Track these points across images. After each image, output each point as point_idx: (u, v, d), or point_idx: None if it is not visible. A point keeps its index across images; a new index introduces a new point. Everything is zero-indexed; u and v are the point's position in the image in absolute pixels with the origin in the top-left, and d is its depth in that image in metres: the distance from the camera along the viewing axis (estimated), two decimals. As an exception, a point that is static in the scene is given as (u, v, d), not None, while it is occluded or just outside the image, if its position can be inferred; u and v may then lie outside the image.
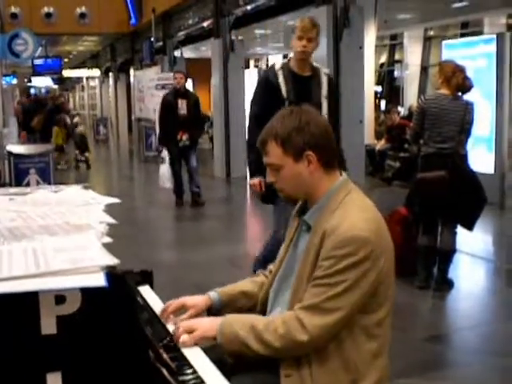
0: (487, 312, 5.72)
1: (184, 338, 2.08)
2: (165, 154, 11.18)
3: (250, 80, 16.20)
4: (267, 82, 5.04)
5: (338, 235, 2.10)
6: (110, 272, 1.67)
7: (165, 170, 10.97)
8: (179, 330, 2.11)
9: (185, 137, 10.53)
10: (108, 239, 1.98)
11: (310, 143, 2.21)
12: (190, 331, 2.10)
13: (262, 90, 5.12)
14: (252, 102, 5.26)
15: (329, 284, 2.09)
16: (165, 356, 1.95)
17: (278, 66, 5.06)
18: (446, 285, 5.98)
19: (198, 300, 2.43)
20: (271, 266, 2.53)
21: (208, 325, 2.17)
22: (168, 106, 10.60)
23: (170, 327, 2.20)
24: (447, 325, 5.50)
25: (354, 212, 2.17)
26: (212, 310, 2.45)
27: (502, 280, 6.73)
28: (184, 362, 1.98)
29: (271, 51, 27.27)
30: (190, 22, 17.84)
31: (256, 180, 5.01)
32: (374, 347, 2.19)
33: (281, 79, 4.94)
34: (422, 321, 5.49)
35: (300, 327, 2.09)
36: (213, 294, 2.47)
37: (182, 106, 10.54)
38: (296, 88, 4.91)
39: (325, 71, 5.14)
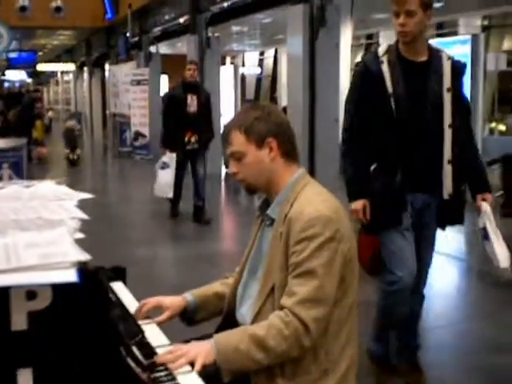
0: (460, 311, 5.77)
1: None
2: (168, 157, 9.02)
3: (226, 77, 16.19)
4: (366, 71, 3.68)
5: (303, 218, 2.15)
6: (82, 268, 1.65)
7: (168, 177, 8.97)
8: (180, 362, 1.97)
9: (193, 138, 8.96)
10: (80, 235, 1.96)
11: (271, 131, 2.29)
12: (192, 363, 1.98)
13: (359, 83, 3.74)
14: (346, 102, 3.86)
15: (309, 271, 2.11)
16: (137, 353, 1.93)
17: (382, 49, 3.71)
18: (419, 284, 6.01)
19: (173, 301, 2.45)
20: (238, 269, 2.54)
21: (204, 350, 2.04)
22: (175, 102, 8.92)
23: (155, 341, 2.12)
24: (421, 324, 5.52)
25: (314, 197, 2.24)
26: (187, 312, 2.46)
27: (475, 279, 6.78)
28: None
29: (248, 48, 27.30)
30: (167, 17, 17.78)
31: (359, 203, 3.72)
32: (342, 335, 2.22)
33: (385, 67, 3.61)
34: (395, 319, 5.50)
35: (303, 329, 2.08)
36: (188, 296, 2.48)
37: (192, 102, 8.90)
38: (406, 79, 3.60)
39: (447, 54, 3.75)
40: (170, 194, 9.13)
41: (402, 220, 3.68)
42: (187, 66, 9.00)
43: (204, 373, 1.98)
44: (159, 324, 2.32)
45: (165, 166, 9.06)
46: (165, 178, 9.06)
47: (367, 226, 3.83)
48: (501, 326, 5.15)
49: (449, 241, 7.56)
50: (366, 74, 3.68)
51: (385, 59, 3.63)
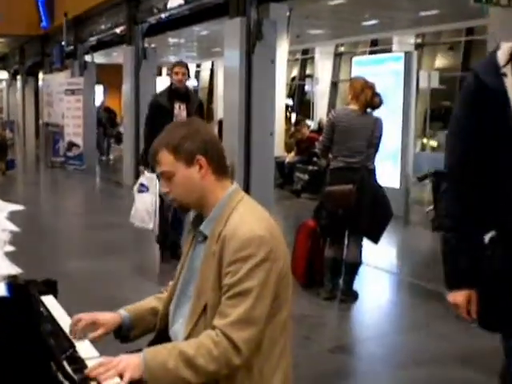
0: (391, 323, 5.86)
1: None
2: (146, 179, 7.28)
3: (163, 88, 16.12)
4: (481, 88, 2.37)
5: (238, 238, 2.13)
6: (12, 282, 1.63)
7: (147, 202, 7.31)
8: (109, 374, 1.95)
9: None
10: (11, 248, 1.93)
11: (200, 148, 2.27)
12: (121, 375, 1.97)
13: (472, 106, 2.40)
14: (451, 136, 2.54)
15: (243, 292, 2.10)
16: (67, 368, 1.91)
17: (503, 55, 2.36)
18: (351, 296, 6.10)
19: (108, 317, 2.40)
20: (171, 283, 2.52)
21: (133, 364, 2.04)
22: (160, 112, 7.19)
23: (89, 361, 2.04)
24: (352, 335, 5.60)
25: (248, 216, 2.23)
26: (122, 329, 2.43)
27: (405, 292, 6.90)
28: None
29: (184, 60, 27.29)
30: (103, 27, 17.63)
31: (460, 296, 2.47)
32: (277, 353, 2.22)
33: (510, 82, 2.33)
34: (328, 331, 5.57)
35: (233, 349, 2.07)
36: (123, 312, 2.45)
37: (181, 112, 7.25)
38: None
39: None
40: (151, 225, 7.41)
41: None
42: (174, 69, 7.33)
43: None
44: (93, 341, 2.29)
45: (143, 188, 7.36)
46: (143, 205, 7.38)
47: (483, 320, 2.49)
48: (431, 338, 5.25)
49: (380, 254, 7.69)
50: (481, 94, 2.37)
51: (509, 70, 2.35)
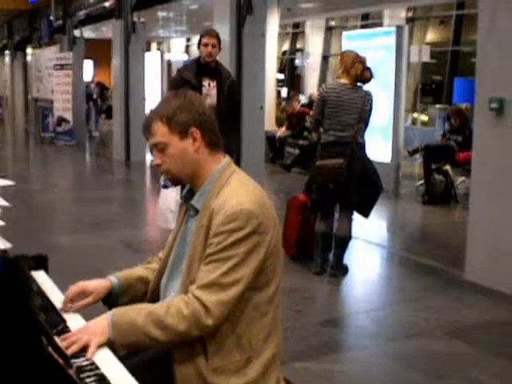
0: (381, 297, 5.89)
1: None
2: None
3: (152, 63, 16.05)
4: None
5: (226, 211, 2.13)
6: (2, 256, 1.62)
7: (170, 199, 6.65)
8: (72, 349, 1.94)
9: None
10: (1, 222, 1.92)
11: (194, 120, 2.26)
12: (86, 347, 1.97)
13: None
14: None
15: (221, 259, 2.11)
16: (58, 342, 1.91)
17: None
18: (342, 270, 6.12)
19: (98, 284, 2.39)
20: (161, 254, 2.52)
21: (100, 329, 2.05)
22: (186, 89, 5.43)
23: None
24: (342, 309, 5.63)
25: (238, 189, 2.21)
26: (112, 295, 2.42)
27: (395, 266, 6.93)
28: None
29: (174, 34, 27.11)
30: (91, 1, 17.47)
31: None
32: (266, 324, 2.23)
33: None
34: (318, 305, 5.60)
35: (203, 310, 2.08)
36: (113, 278, 2.44)
37: (210, 90, 6.24)
38: None
39: None
40: (172, 226, 6.60)
41: None
42: (202, 40, 6.25)
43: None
44: (82, 307, 2.29)
45: (167, 183, 6.27)
46: (165, 202, 6.71)
47: None
48: (421, 311, 5.28)
49: (370, 227, 7.71)
50: None
51: None
